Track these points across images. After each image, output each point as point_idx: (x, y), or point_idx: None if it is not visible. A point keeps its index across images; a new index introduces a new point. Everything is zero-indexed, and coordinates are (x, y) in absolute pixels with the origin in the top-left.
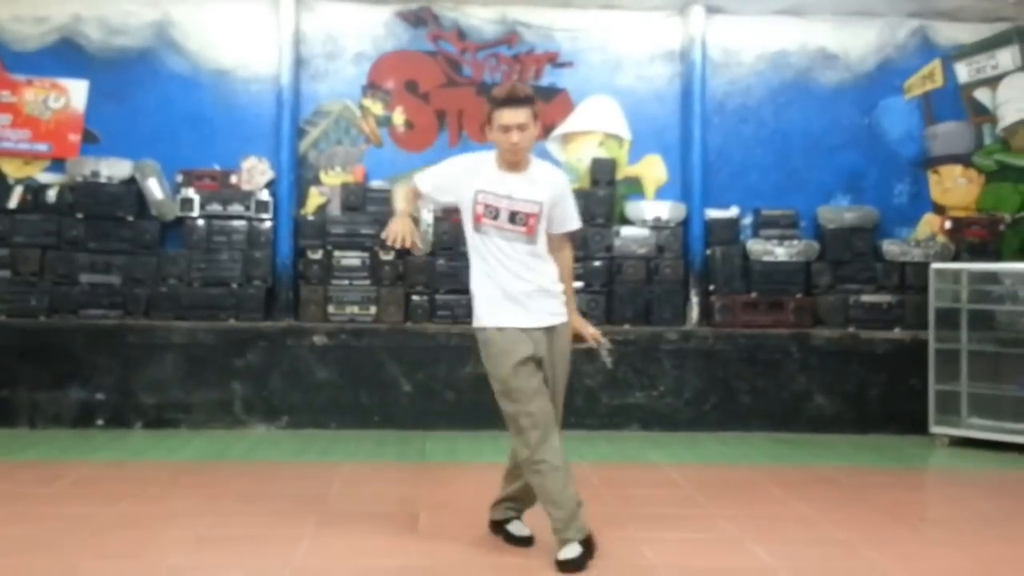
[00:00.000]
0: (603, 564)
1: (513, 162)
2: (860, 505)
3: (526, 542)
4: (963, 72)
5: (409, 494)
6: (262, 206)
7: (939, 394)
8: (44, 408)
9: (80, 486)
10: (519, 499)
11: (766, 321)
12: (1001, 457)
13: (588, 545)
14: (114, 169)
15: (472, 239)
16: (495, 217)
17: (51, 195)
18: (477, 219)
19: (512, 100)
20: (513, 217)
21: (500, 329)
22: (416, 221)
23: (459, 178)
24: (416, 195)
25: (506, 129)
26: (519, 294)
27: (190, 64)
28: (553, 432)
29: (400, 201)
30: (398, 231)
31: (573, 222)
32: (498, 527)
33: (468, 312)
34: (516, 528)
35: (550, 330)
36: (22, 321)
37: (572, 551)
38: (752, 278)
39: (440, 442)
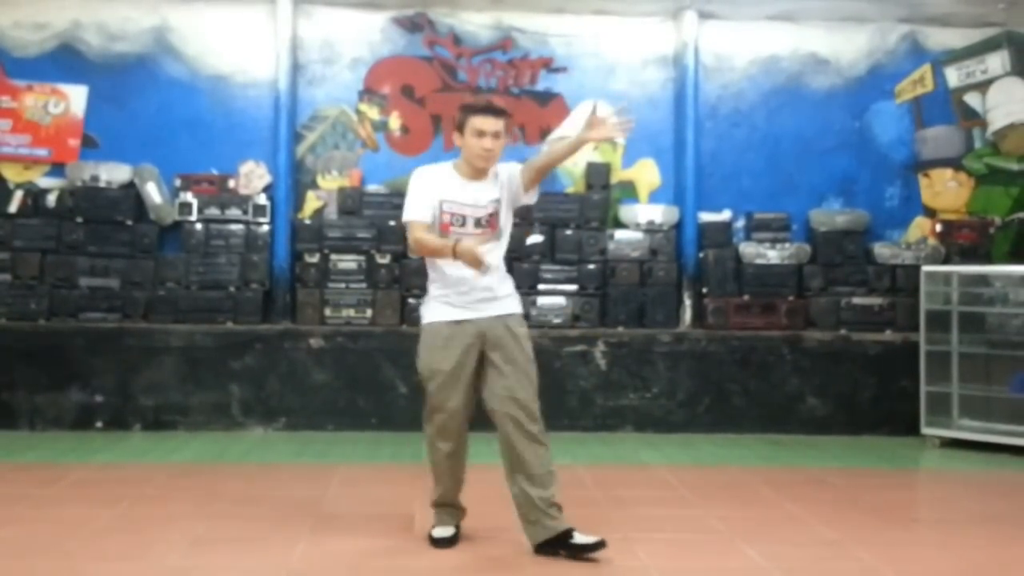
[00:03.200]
0: (596, 565)
1: (479, 169)
2: (851, 506)
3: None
4: (953, 76)
5: (406, 495)
6: (259, 210)
7: (930, 396)
8: (44, 410)
9: (79, 488)
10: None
11: (758, 323)
12: (992, 458)
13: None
14: (113, 173)
15: None
16: (462, 225)
17: (51, 199)
18: (444, 228)
19: (490, 109)
20: (478, 222)
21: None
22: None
23: (429, 193)
24: (426, 228)
25: (481, 134)
26: (463, 291)
27: (188, 69)
28: (461, 446)
29: (431, 242)
30: (473, 253)
31: (517, 182)
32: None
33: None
34: (579, 538)
35: (501, 317)
36: (22, 324)
37: (445, 532)
38: (744, 281)
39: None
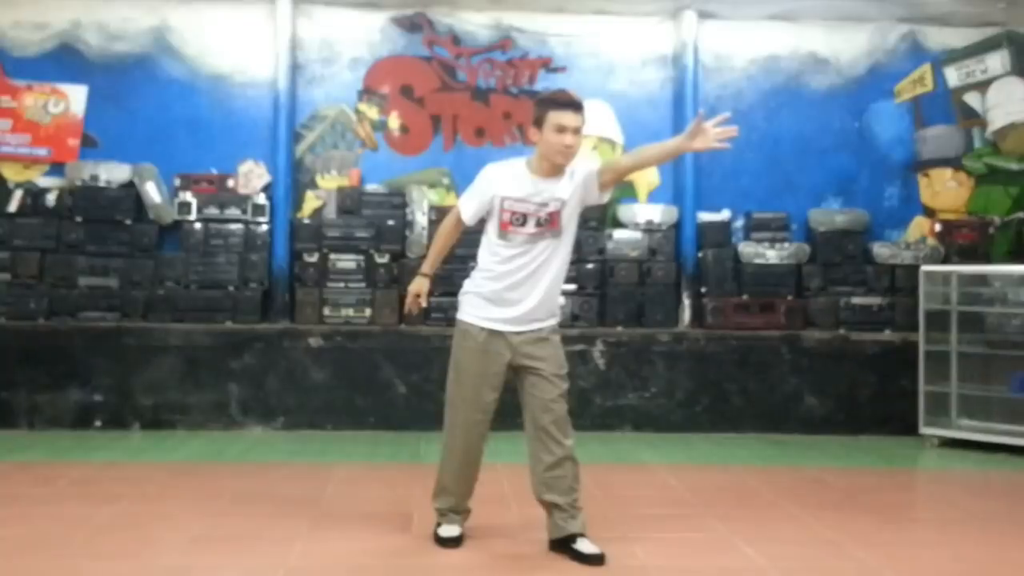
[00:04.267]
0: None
1: (556, 166)
2: (850, 505)
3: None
4: (953, 76)
5: (403, 495)
6: (259, 209)
7: (929, 395)
8: (43, 409)
9: (78, 487)
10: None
11: (757, 323)
12: (990, 458)
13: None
14: (113, 173)
15: (492, 242)
16: (522, 224)
17: (50, 199)
18: (503, 226)
19: (574, 104)
20: (539, 221)
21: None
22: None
23: (488, 191)
24: (458, 223)
25: (562, 129)
26: (509, 297)
27: (188, 69)
28: (476, 456)
29: (435, 245)
30: (411, 292)
31: (592, 181)
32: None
33: (452, 308)
34: (582, 545)
35: (535, 331)
36: (21, 324)
37: (452, 531)
38: (743, 280)
39: (434, 443)
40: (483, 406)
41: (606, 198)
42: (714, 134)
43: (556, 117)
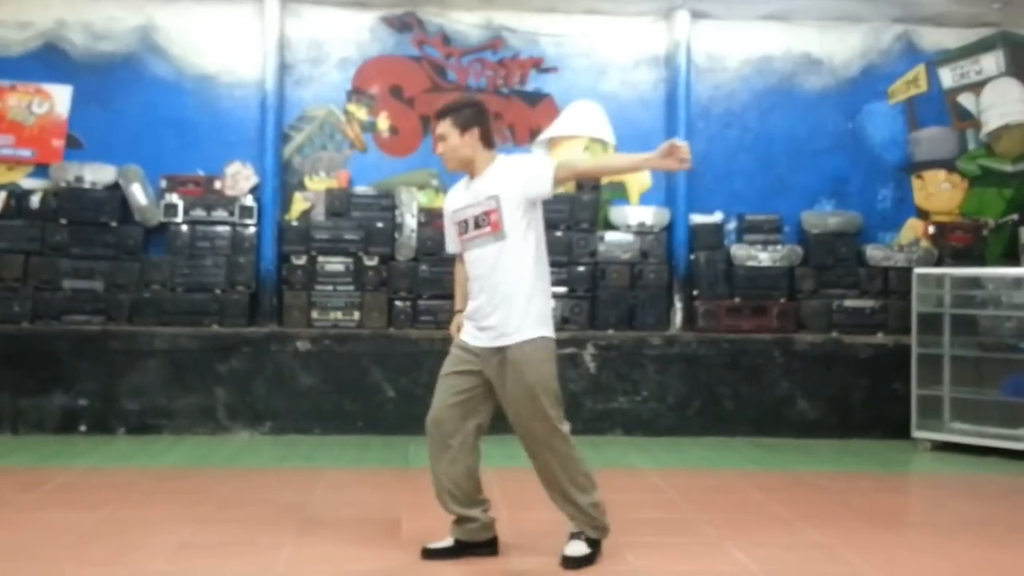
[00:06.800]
0: (585, 569)
1: (468, 173)
2: (841, 509)
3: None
4: (947, 77)
5: (392, 499)
6: (246, 211)
7: (922, 398)
8: (27, 414)
9: (63, 492)
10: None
11: (749, 326)
12: (983, 461)
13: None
14: (98, 174)
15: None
16: (466, 230)
17: (34, 201)
18: (460, 239)
19: (435, 114)
20: (477, 222)
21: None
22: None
23: (446, 216)
24: (460, 260)
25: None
26: (474, 311)
27: (174, 69)
28: (439, 449)
29: (456, 289)
30: (452, 332)
31: (545, 174)
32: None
33: (450, 317)
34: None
35: (499, 350)
36: (5, 327)
37: (439, 542)
38: (736, 283)
39: (423, 447)
40: (437, 407)
41: (551, 193)
42: (681, 156)
43: None
